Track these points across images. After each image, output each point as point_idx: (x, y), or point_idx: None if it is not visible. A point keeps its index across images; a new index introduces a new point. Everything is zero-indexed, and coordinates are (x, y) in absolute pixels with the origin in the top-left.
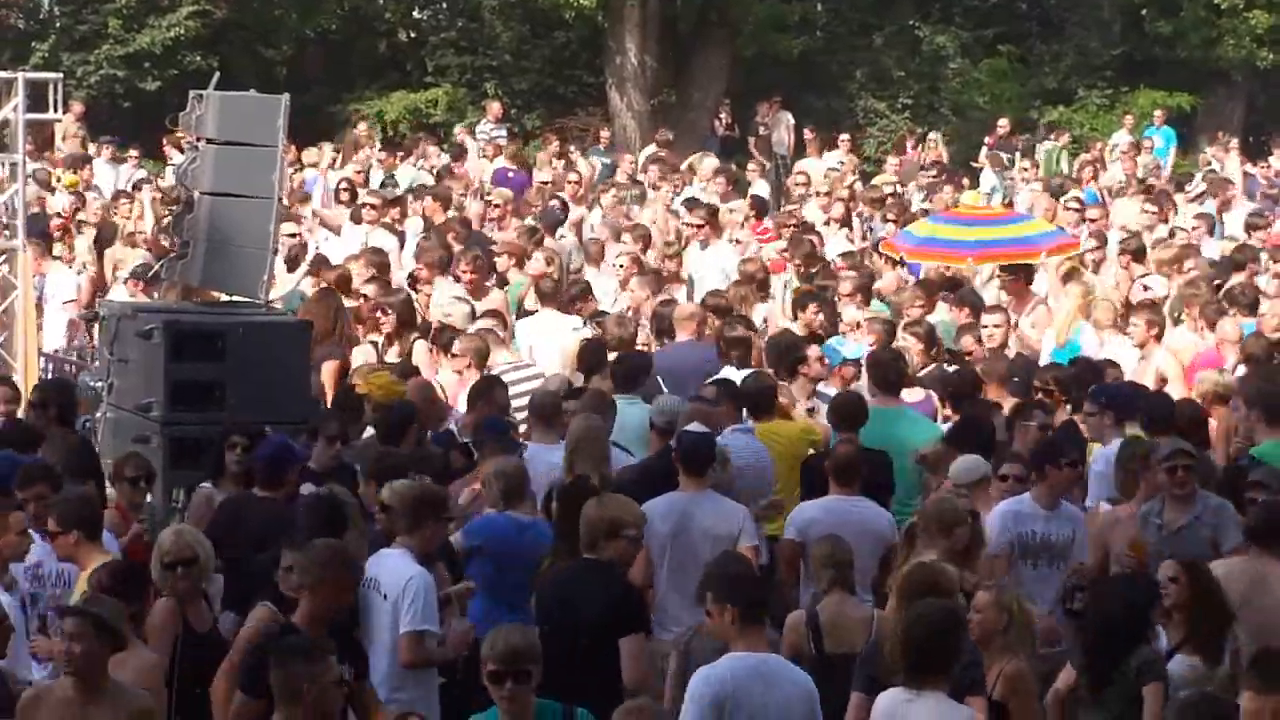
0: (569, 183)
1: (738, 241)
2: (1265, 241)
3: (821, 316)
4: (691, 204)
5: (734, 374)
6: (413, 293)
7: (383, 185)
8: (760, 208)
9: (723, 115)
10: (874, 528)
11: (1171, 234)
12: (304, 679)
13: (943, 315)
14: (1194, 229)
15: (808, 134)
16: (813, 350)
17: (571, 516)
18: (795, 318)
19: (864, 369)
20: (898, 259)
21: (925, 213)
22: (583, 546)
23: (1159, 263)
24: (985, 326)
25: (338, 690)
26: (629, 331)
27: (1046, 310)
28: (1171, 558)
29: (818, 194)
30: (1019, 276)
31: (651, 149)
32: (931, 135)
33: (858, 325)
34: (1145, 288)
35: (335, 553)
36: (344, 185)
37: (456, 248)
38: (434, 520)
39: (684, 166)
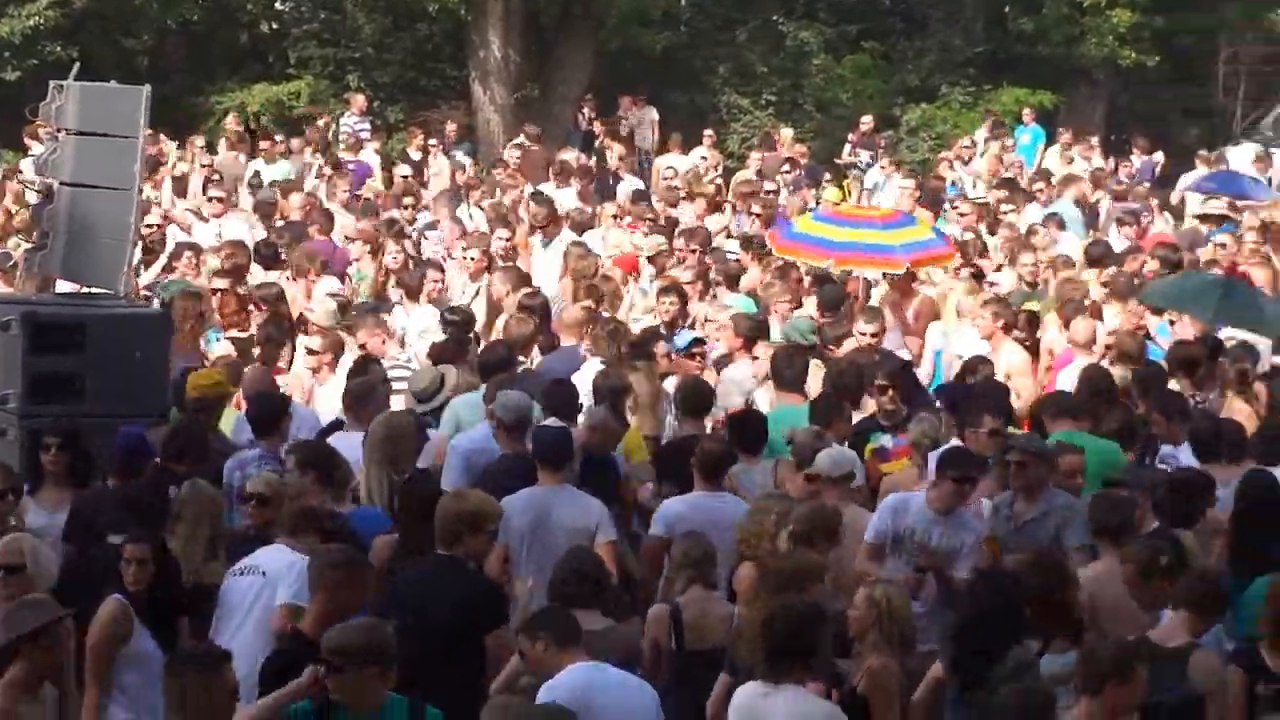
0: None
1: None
2: (1135, 239)
3: (675, 309)
4: (538, 199)
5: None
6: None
7: (251, 181)
8: (638, 197)
9: (586, 110)
10: (734, 524)
11: (1030, 232)
12: (197, 689)
13: (811, 312)
14: (1042, 224)
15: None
16: (660, 345)
17: (417, 512)
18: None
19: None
20: (763, 254)
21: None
22: (439, 542)
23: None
24: (862, 334)
25: (231, 702)
26: (525, 331)
27: (929, 304)
28: (1017, 551)
29: (690, 193)
30: (903, 275)
31: (521, 141)
32: (784, 131)
33: (707, 321)
34: (990, 284)
35: (347, 556)
36: (213, 177)
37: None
38: (317, 532)
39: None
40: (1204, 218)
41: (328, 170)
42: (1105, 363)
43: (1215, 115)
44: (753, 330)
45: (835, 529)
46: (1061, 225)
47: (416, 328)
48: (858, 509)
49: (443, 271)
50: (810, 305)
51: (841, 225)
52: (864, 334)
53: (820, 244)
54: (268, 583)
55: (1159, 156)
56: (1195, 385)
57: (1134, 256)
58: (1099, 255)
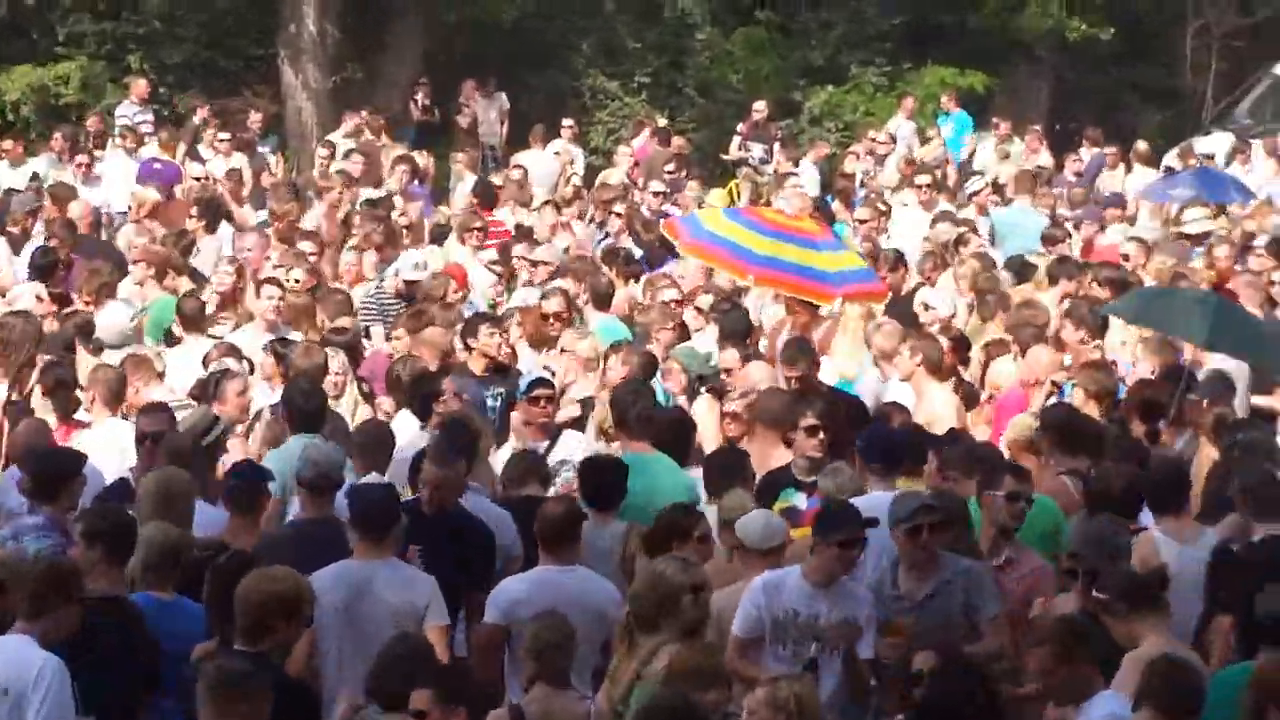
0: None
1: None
2: (1082, 254)
3: (499, 341)
4: (371, 207)
5: None
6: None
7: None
8: (485, 197)
9: (419, 96)
10: (594, 604)
11: (962, 242)
12: None
13: (710, 342)
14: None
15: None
16: (449, 383)
17: (226, 595)
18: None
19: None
20: (630, 270)
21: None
22: (241, 635)
23: (960, 278)
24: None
25: None
26: (316, 361)
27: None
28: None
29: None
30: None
31: (346, 132)
32: (661, 121)
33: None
34: (926, 305)
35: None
36: None
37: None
38: (63, 602)
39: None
40: (1185, 237)
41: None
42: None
43: (1182, 99)
44: (648, 367)
45: (675, 602)
46: (992, 237)
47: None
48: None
49: (281, 288)
50: (709, 334)
51: (764, 234)
52: (790, 378)
53: (739, 253)
54: (11, 706)
55: (1111, 150)
56: (1151, 436)
57: (1078, 276)
58: (1058, 273)
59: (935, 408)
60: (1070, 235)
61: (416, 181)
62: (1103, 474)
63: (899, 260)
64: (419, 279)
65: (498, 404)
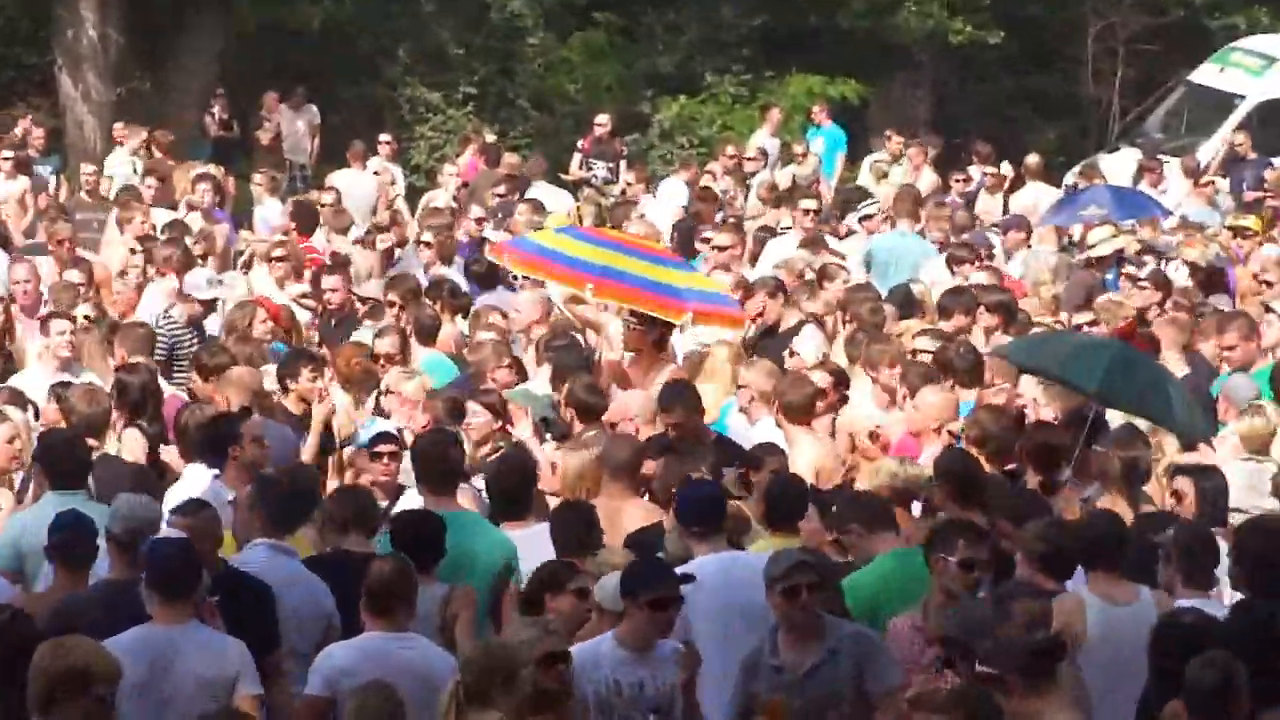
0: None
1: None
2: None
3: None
4: (171, 231)
5: None
6: None
7: None
8: (304, 220)
9: (216, 109)
10: (428, 674)
11: (826, 275)
12: None
13: (544, 384)
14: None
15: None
16: (249, 426)
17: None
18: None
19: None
20: (458, 304)
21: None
22: (32, 711)
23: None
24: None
25: None
26: (101, 407)
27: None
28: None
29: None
30: (650, 329)
31: (133, 149)
32: (490, 137)
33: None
34: (791, 352)
35: None
36: None
37: None
38: None
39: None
40: (1093, 262)
41: None
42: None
43: (1084, 110)
44: (453, 410)
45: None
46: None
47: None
48: None
49: (72, 322)
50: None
51: (604, 246)
52: (668, 426)
53: (573, 264)
54: None
55: (1005, 169)
56: (1049, 488)
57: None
58: (951, 305)
59: (813, 456)
60: (978, 257)
61: (218, 204)
62: (1040, 532)
63: (778, 288)
64: (214, 296)
65: None
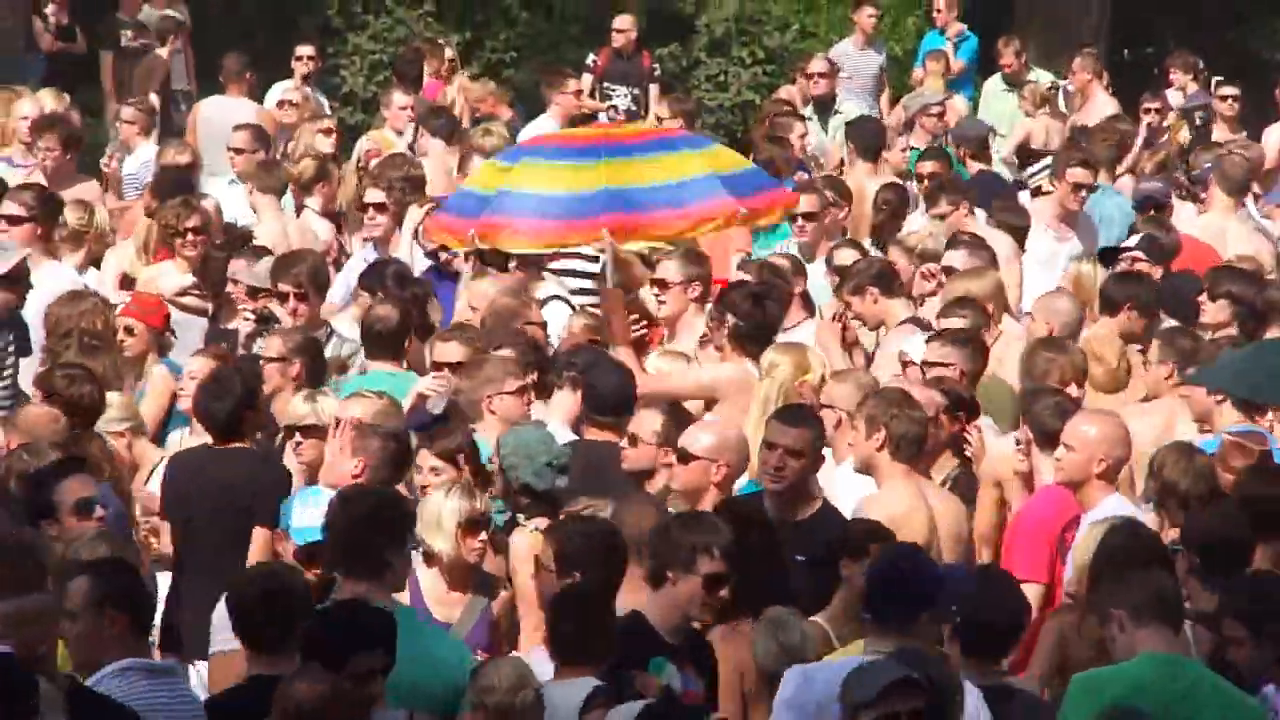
0: None
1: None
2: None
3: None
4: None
5: None
6: None
7: None
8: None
9: (50, 9)
10: None
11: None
12: None
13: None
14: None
15: None
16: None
17: None
18: None
19: None
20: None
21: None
22: None
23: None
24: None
25: None
26: None
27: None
28: None
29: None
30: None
31: None
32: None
33: None
34: (904, 357)
35: None
36: None
37: None
38: None
39: None
40: None
41: None
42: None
43: None
44: None
45: None
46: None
47: None
48: None
49: None
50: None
51: (578, 157)
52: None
53: (557, 208)
54: None
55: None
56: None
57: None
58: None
59: (895, 510)
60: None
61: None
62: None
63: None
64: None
65: None
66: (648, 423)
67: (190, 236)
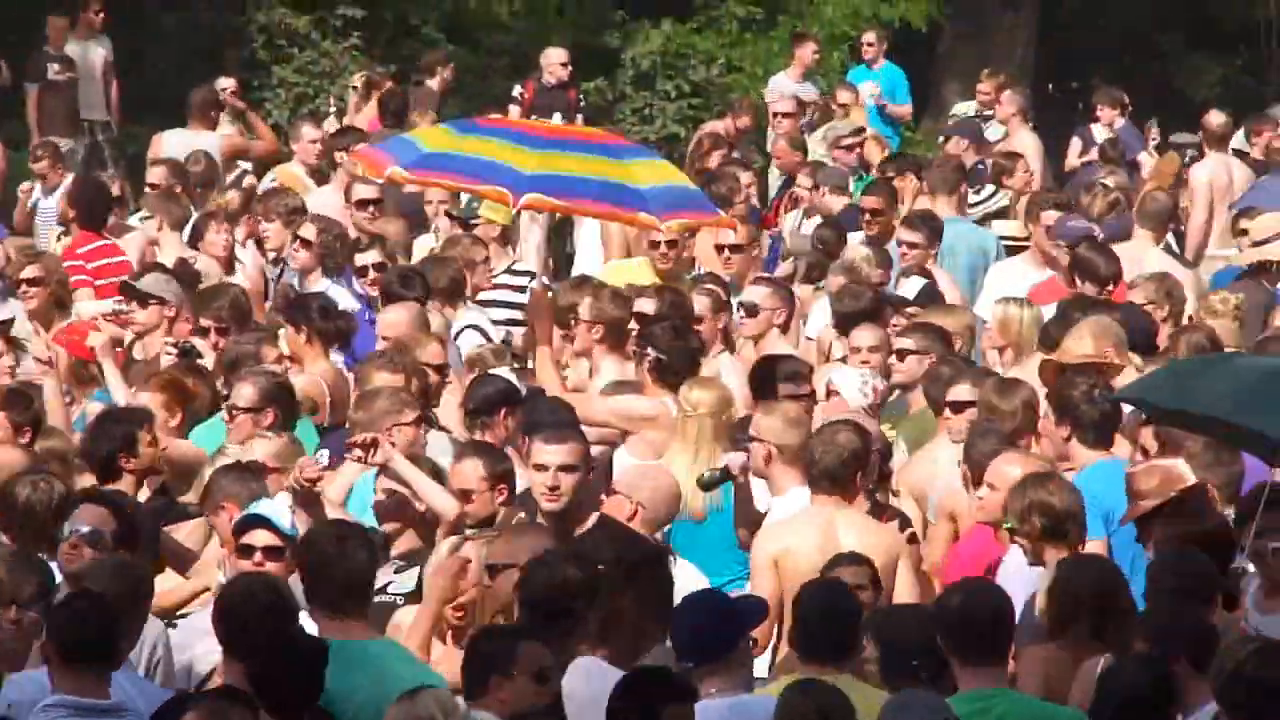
0: None
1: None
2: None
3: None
4: None
5: None
6: None
7: None
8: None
9: None
10: None
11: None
12: None
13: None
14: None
15: None
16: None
17: None
18: None
19: None
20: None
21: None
22: None
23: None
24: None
25: None
26: None
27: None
28: None
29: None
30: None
31: None
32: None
33: None
34: (829, 388)
35: None
36: None
37: None
38: None
39: None
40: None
41: None
42: None
43: (1256, 39)
44: None
45: None
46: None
47: None
48: None
49: None
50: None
51: (526, 144)
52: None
53: (493, 171)
54: None
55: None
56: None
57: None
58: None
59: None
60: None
61: None
62: None
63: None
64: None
65: None
66: (470, 471)
67: (25, 288)
